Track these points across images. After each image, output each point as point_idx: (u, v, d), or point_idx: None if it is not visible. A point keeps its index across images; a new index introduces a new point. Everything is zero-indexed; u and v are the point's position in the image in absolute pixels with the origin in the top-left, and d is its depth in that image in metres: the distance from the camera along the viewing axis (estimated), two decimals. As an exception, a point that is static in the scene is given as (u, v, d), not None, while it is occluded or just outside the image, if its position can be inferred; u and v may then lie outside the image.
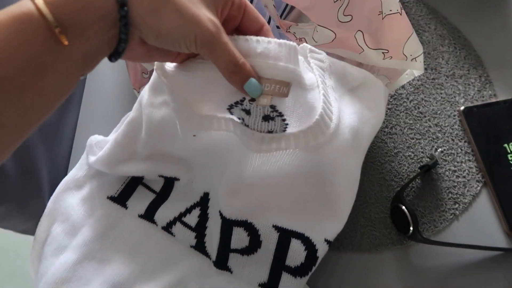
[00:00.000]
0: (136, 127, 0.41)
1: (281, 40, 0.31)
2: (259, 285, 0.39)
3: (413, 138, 0.50)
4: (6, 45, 0.22)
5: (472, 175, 0.48)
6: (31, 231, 0.43)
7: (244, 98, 0.33)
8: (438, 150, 0.49)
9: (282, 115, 0.33)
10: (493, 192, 0.47)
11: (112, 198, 0.43)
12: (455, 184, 0.47)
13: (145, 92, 0.41)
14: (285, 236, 0.38)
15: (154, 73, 0.40)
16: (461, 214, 0.46)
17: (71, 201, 0.44)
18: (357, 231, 0.45)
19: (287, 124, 0.34)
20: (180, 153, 0.40)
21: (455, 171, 0.48)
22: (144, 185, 0.44)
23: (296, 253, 0.38)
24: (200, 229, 0.41)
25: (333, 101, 0.35)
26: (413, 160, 0.49)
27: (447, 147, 0.49)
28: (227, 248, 0.39)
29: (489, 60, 0.55)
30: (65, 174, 0.45)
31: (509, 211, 0.46)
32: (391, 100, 0.52)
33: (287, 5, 0.45)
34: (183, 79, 0.34)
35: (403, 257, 0.44)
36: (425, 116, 0.51)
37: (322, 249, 0.38)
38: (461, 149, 0.49)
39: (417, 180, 0.48)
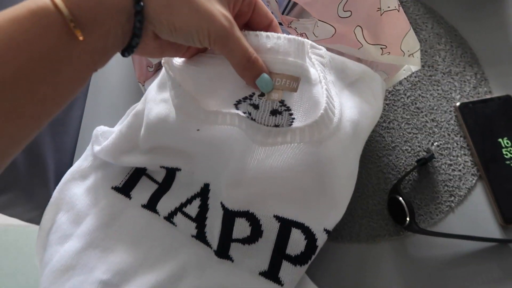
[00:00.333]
0: (140, 120, 0.41)
1: (290, 36, 0.32)
2: (260, 273, 0.40)
3: (410, 133, 0.51)
4: (23, 39, 0.22)
5: (468, 168, 0.49)
6: (36, 220, 0.44)
7: (254, 93, 0.33)
8: (435, 144, 0.50)
9: (290, 110, 0.34)
10: (488, 185, 0.48)
11: (116, 189, 0.44)
12: (451, 177, 0.49)
13: (153, 87, 0.42)
14: (285, 225, 0.39)
15: (163, 70, 0.40)
16: (457, 206, 0.47)
17: (76, 190, 0.45)
18: (355, 222, 0.46)
19: (293, 118, 0.34)
20: (180, 145, 0.40)
21: (451, 164, 0.49)
22: (147, 175, 0.45)
23: (296, 242, 0.39)
24: (200, 220, 0.42)
25: (334, 96, 0.36)
26: (410, 154, 0.50)
27: (443, 141, 0.51)
28: (229, 238, 0.40)
29: (484, 58, 0.56)
30: (71, 165, 0.46)
31: (503, 203, 0.47)
32: (389, 95, 0.53)
33: (289, 1, 0.46)
34: (190, 74, 0.34)
35: (400, 248, 0.45)
36: (422, 112, 0.52)
37: (321, 239, 0.39)
38: (457, 144, 0.50)
39: (414, 173, 0.49)
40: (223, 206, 0.39)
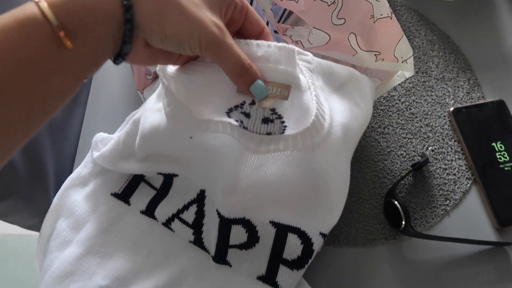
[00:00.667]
0: (138, 128, 0.42)
1: (280, 44, 0.32)
2: (258, 277, 0.40)
3: (405, 138, 0.52)
4: (12, 48, 0.22)
5: (462, 172, 0.50)
6: (36, 226, 0.44)
7: (244, 102, 0.33)
8: (429, 149, 0.51)
9: (281, 117, 0.34)
10: (483, 189, 0.49)
11: (115, 195, 0.45)
12: (446, 181, 0.49)
13: (152, 97, 0.42)
14: (282, 230, 0.40)
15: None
16: (452, 210, 0.48)
17: (76, 197, 0.45)
18: (352, 226, 0.47)
19: (285, 126, 0.35)
20: (175, 153, 0.40)
21: (445, 169, 0.50)
22: (146, 182, 0.45)
23: (293, 247, 0.39)
24: (197, 226, 0.42)
25: (323, 101, 0.36)
26: (405, 159, 0.50)
27: (438, 146, 0.51)
28: (225, 244, 0.40)
29: (477, 64, 0.57)
30: (71, 172, 0.46)
31: (498, 207, 0.48)
32: (383, 101, 0.54)
33: (285, 10, 0.47)
34: (183, 82, 0.35)
35: (396, 251, 0.46)
36: (416, 117, 0.53)
37: (317, 243, 0.40)
38: (451, 148, 0.51)
39: (409, 177, 0.49)
40: (219, 214, 0.40)
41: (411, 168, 0.49)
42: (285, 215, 0.39)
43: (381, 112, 0.53)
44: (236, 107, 0.34)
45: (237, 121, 0.35)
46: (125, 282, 0.41)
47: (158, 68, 0.35)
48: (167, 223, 0.43)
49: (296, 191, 0.37)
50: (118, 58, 0.28)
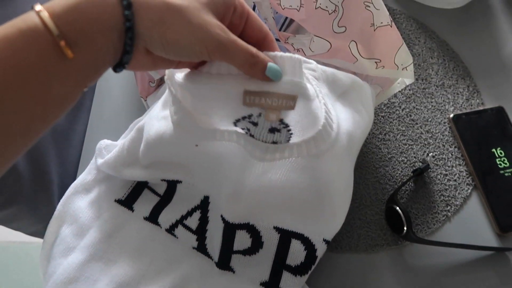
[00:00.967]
0: (142, 135, 0.42)
1: (286, 54, 0.32)
2: (261, 283, 0.40)
3: (405, 144, 0.52)
4: (13, 57, 0.23)
5: (463, 178, 0.50)
6: (40, 233, 0.45)
7: (252, 114, 0.34)
8: (430, 155, 0.51)
9: (288, 126, 0.35)
10: (483, 194, 0.49)
11: (119, 201, 0.45)
12: (447, 187, 0.50)
13: (157, 105, 0.42)
14: (285, 236, 0.40)
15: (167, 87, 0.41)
16: (453, 215, 0.48)
17: (80, 203, 0.45)
18: (353, 232, 0.47)
19: (291, 134, 0.35)
20: (179, 160, 0.41)
21: (446, 174, 0.50)
22: (149, 188, 0.45)
23: (296, 253, 0.40)
24: (200, 232, 0.43)
25: (331, 109, 0.36)
26: (406, 165, 0.51)
27: (438, 152, 0.52)
28: (229, 250, 0.40)
29: (476, 71, 0.58)
30: (74, 178, 0.47)
31: (499, 212, 0.48)
32: (384, 108, 0.55)
33: (286, 18, 0.48)
34: (190, 92, 0.35)
35: (398, 257, 0.46)
36: (416, 123, 0.54)
37: (321, 249, 0.40)
38: (452, 154, 0.52)
39: (410, 183, 0.50)
40: (223, 219, 0.40)
41: (412, 174, 0.49)
42: (289, 221, 0.39)
43: (382, 118, 0.54)
44: (244, 118, 0.35)
45: (243, 129, 0.35)
46: (128, 288, 0.41)
47: (166, 76, 0.35)
48: (171, 230, 0.43)
49: (300, 197, 0.38)
50: (118, 66, 0.28)
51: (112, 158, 0.44)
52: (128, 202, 0.45)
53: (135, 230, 0.44)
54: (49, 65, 0.23)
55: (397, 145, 0.52)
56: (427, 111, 0.54)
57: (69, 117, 0.50)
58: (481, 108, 0.54)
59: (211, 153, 0.38)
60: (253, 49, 0.30)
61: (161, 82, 0.49)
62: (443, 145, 0.52)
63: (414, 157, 0.51)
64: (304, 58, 0.37)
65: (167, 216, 0.43)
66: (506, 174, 0.50)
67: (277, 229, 0.40)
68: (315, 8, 0.39)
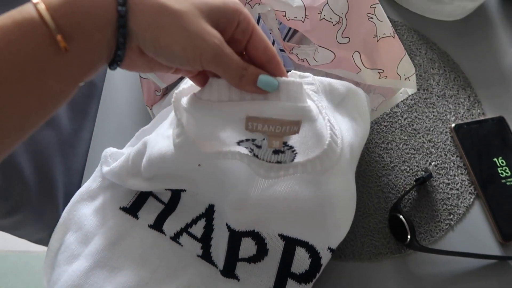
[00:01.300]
0: (147, 148, 0.42)
1: (288, 79, 0.31)
2: (265, 291, 0.41)
3: (408, 153, 0.53)
4: (8, 50, 0.22)
5: (465, 187, 0.51)
6: (45, 240, 0.45)
7: (256, 139, 0.33)
8: (432, 164, 0.52)
9: (292, 148, 0.35)
10: (485, 203, 0.49)
11: (124, 209, 0.45)
12: (449, 196, 0.50)
13: (166, 122, 0.42)
14: (290, 244, 0.40)
15: None
16: (456, 224, 0.49)
17: (85, 211, 0.45)
18: (357, 240, 0.47)
19: (296, 153, 0.35)
20: (182, 173, 0.41)
21: (448, 183, 0.51)
22: (154, 196, 0.46)
23: (301, 261, 0.40)
24: (205, 240, 0.43)
25: (335, 123, 0.36)
26: (408, 174, 0.51)
27: (440, 161, 0.52)
28: (235, 257, 0.41)
29: (476, 81, 0.58)
30: (79, 186, 0.47)
31: (501, 221, 0.48)
32: (386, 117, 0.55)
33: (290, 28, 0.49)
34: (194, 117, 0.34)
35: (401, 265, 0.46)
36: (419, 133, 0.54)
37: (325, 257, 0.40)
38: (454, 163, 0.52)
39: (413, 192, 0.50)
40: (229, 227, 0.40)
41: (414, 182, 0.50)
42: (293, 229, 0.40)
43: (384, 128, 0.54)
44: (247, 140, 0.34)
45: (246, 148, 0.35)
46: (132, 296, 0.41)
47: (173, 99, 0.35)
48: (175, 237, 0.43)
49: (304, 207, 0.38)
50: (112, 64, 0.27)
51: (117, 167, 0.44)
52: (133, 209, 0.45)
53: (139, 237, 0.44)
54: (44, 58, 0.23)
55: (399, 154, 0.53)
56: (429, 120, 0.55)
57: (75, 125, 0.50)
58: (482, 118, 0.55)
59: (215, 169, 0.38)
60: (245, 63, 0.29)
61: (166, 91, 0.49)
62: (445, 154, 0.53)
63: (417, 166, 0.52)
64: (301, 73, 0.36)
65: (172, 224, 0.44)
66: (508, 183, 0.50)
67: (282, 236, 0.40)
68: (320, 20, 0.40)
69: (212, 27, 0.28)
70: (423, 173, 0.51)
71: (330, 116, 0.36)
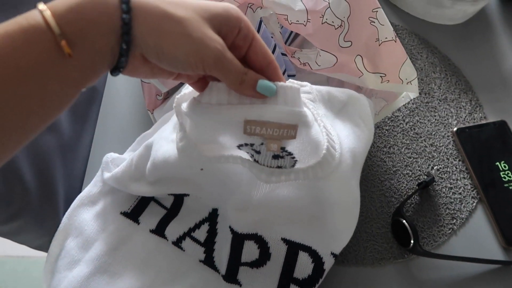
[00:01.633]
0: (149, 152, 0.42)
1: (285, 84, 0.31)
2: (268, 297, 0.40)
3: (410, 157, 0.52)
4: (13, 54, 0.23)
5: (468, 191, 0.50)
6: (45, 246, 0.44)
7: (254, 143, 0.33)
8: (434, 168, 0.52)
9: (291, 154, 0.35)
10: (488, 208, 0.49)
11: (125, 214, 0.45)
12: (452, 200, 0.50)
13: (169, 126, 0.42)
14: (293, 248, 0.40)
15: None
16: (459, 229, 0.48)
17: (85, 216, 0.45)
18: (360, 245, 0.47)
19: (296, 161, 0.35)
20: (186, 176, 0.41)
21: (451, 188, 0.51)
22: (155, 201, 0.45)
23: (304, 266, 0.40)
24: (209, 244, 0.43)
25: (332, 130, 0.36)
26: (411, 178, 0.51)
27: (443, 165, 0.52)
28: (237, 261, 0.40)
29: (478, 85, 0.58)
30: (80, 191, 0.47)
31: (504, 225, 0.48)
32: (388, 121, 0.55)
33: (291, 32, 0.49)
34: (194, 121, 0.35)
35: (405, 270, 0.46)
36: (420, 137, 0.54)
37: (328, 262, 0.40)
38: (456, 167, 0.52)
39: (415, 196, 0.50)
40: (232, 230, 0.40)
41: (417, 187, 0.50)
42: (296, 233, 0.39)
43: (386, 132, 0.54)
44: (246, 144, 0.34)
45: (248, 153, 0.35)
46: (134, 301, 0.41)
47: (174, 104, 0.35)
48: (178, 242, 0.43)
49: (306, 212, 0.38)
50: (114, 70, 0.28)
51: (120, 173, 0.44)
52: (134, 214, 0.45)
53: (140, 243, 0.44)
54: (48, 63, 0.24)
55: (401, 158, 0.52)
56: (431, 124, 0.55)
57: (76, 130, 0.50)
58: (484, 122, 0.55)
59: (217, 172, 0.38)
60: (245, 69, 0.30)
61: (168, 95, 0.49)
62: (447, 158, 0.53)
63: (419, 170, 0.52)
64: (298, 82, 0.37)
65: (174, 229, 0.43)
66: (510, 187, 0.50)
67: (285, 240, 0.40)
68: (322, 23, 0.40)
69: (215, 33, 0.28)
70: (425, 177, 0.51)
71: (327, 123, 0.36)
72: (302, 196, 0.37)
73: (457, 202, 0.50)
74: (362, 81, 0.43)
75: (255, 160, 0.35)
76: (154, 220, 0.44)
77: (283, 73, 0.47)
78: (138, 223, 0.45)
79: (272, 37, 0.45)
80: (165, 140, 0.40)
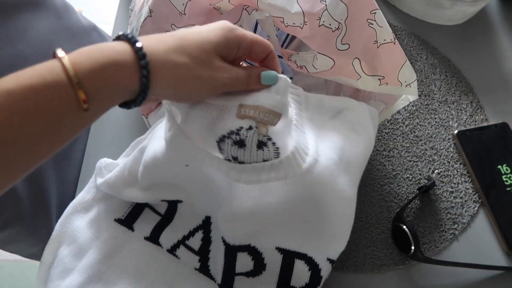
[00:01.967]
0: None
1: (280, 75, 0.34)
2: (265, 306, 0.39)
3: (410, 161, 0.52)
4: (37, 107, 0.24)
5: (469, 196, 0.49)
6: (38, 255, 0.44)
7: (241, 128, 0.34)
8: (435, 172, 0.51)
9: (271, 139, 0.34)
10: (490, 212, 0.48)
11: (119, 221, 0.44)
12: (453, 204, 0.49)
13: (162, 125, 0.42)
14: (288, 257, 0.39)
15: None
16: (461, 234, 0.47)
17: (79, 223, 0.44)
18: (359, 251, 0.46)
19: (278, 148, 0.34)
20: (176, 181, 0.40)
21: (452, 192, 0.50)
22: (150, 207, 0.44)
23: (301, 274, 0.39)
24: (203, 253, 0.42)
25: (307, 130, 0.37)
26: (411, 182, 0.50)
27: (444, 169, 0.51)
28: (232, 272, 0.39)
29: (478, 87, 0.57)
30: (73, 198, 0.46)
31: (506, 230, 0.47)
32: (388, 124, 0.54)
33: (288, 35, 0.48)
34: (183, 110, 0.35)
35: (405, 277, 0.45)
36: (421, 140, 0.53)
37: (325, 269, 0.39)
38: (457, 171, 0.51)
39: (416, 201, 0.49)
40: (224, 241, 0.39)
41: (417, 191, 0.49)
42: (290, 241, 0.39)
43: (386, 135, 0.53)
44: (231, 133, 0.34)
45: (229, 160, 0.35)
46: (128, 311, 0.40)
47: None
48: (172, 250, 0.42)
49: (298, 218, 0.37)
50: (122, 107, 0.30)
51: (113, 178, 0.43)
52: (128, 221, 0.44)
53: (135, 250, 0.43)
54: (65, 115, 0.25)
55: (401, 162, 0.51)
56: (431, 127, 0.54)
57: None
58: (485, 124, 0.54)
59: (202, 175, 0.37)
60: (244, 72, 0.33)
61: (162, 99, 0.48)
62: (448, 162, 0.52)
63: (419, 174, 0.51)
64: (292, 84, 0.38)
65: (169, 236, 0.42)
66: (513, 191, 0.49)
67: (279, 249, 0.39)
68: (319, 26, 0.39)
69: (219, 60, 0.31)
70: (426, 181, 0.50)
71: (304, 124, 0.38)
72: (291, 200, 0.36)
73: (459, 206, 0.49)
74: (360, 84, 0.42)
75: (240, 162, 0.34)
76: (149, 227, 0.43)
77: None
78: (133, 230, 0.44)
79: (268, 39, 0.44)
80: (157, 138, 0.40)
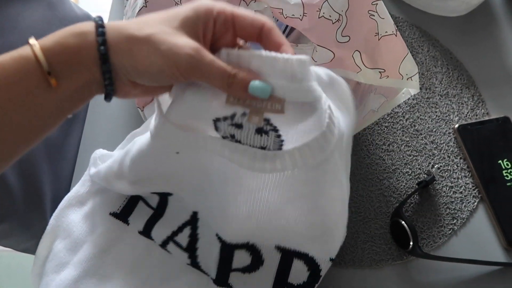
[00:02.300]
0: None
1: (293, 57, 0.29)
2: (261, 301, 0.39)
3: (410, 155, 0.51)
4: (5, 82, 0.25)
5: (469, 191, 0.49)
6: (32, 249, 0.43)
7: (235, 113, 0.31)
8: (435, 167, 0.50)
9: (277, 130, 0.31)
10: (490, 207, 0.48)
11: (114, 214, 0.43)
12: (453, 199, 0.48)
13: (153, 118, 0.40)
14: (287, 256, 0.38)
15: None
16: (460, 229, 0.47)
17: (74, 217, 0.44)
18: (357, 246, 0.46)
19: (282, 141, 0.32)
20: (165, 171, 0.38)
21: (452, 187, 0.49)
22: (143, 201, 0.44)
23: (299, 272, 0.38)
24: (191, 250, 0.41)
25: (335, 111, 0.32)
26: (410, 177, 0.50)
27: (444, 163, 0.50)
28: (227, 268, 0.39)
29: (480, 80, 0.57)
30: (68, 192, 0.45)
31: (506, 226, 0.47)
32: (387, 118, 0.53)
33: (287, 26, 0.47)
34: (174, 94, 0.33)
35: (403, 272, 0.45)
36: (421, 134, 0.52)
37: (325, 268, 0.38)
38: (457, 166, 0.50)
39: (415, 196, 0.48)
40: (220, 239, 0.38)
41: (417, 186, 0.48)
42: (292, 241, 0.38)
43: (385, 129, 0.53)
44: (226, 118, 0.32)
45: (226, 137, 0.32)
46: (123, 305, 0.39)
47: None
48: (163, 245, 0.42)
49: (300, 216, 0.35)
50: (106, 97, 0.30)
51: (104, 169, 0.42)
52: (123, 215, 0.43)
53: (130, 244, 0.42)
54: (37, 93, 0.26)
55: (401, 156, 0.51)
56: (432, 121, 0.53)
57: (63, 130, 0.49)
58: (486, 118, 0.53)
59: (196, 164, 0.35)
60: (232, 70, 0.29)
61: (158, 91, 0.47)
62: (448, 156, 0.51)
63: (419, 168, 0.50)
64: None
65: (159, 231, 0.42)
66: (513, 187, 0.49)
67: (279, 248, 0.38)
68: (319, 17, 0.38)
69: (190, 37, 0.29)
70: (425, 176, 0.50)
71: (332, 104, 0.32)
72: (293, 198, 0.34)
73: (458, 201, 0.48)
74: (360, 77, 0.41)
75: (236, 140, 0.32)
76: (142, 221, 0.43)
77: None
78: (128, 224, 0.43)
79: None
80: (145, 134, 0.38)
